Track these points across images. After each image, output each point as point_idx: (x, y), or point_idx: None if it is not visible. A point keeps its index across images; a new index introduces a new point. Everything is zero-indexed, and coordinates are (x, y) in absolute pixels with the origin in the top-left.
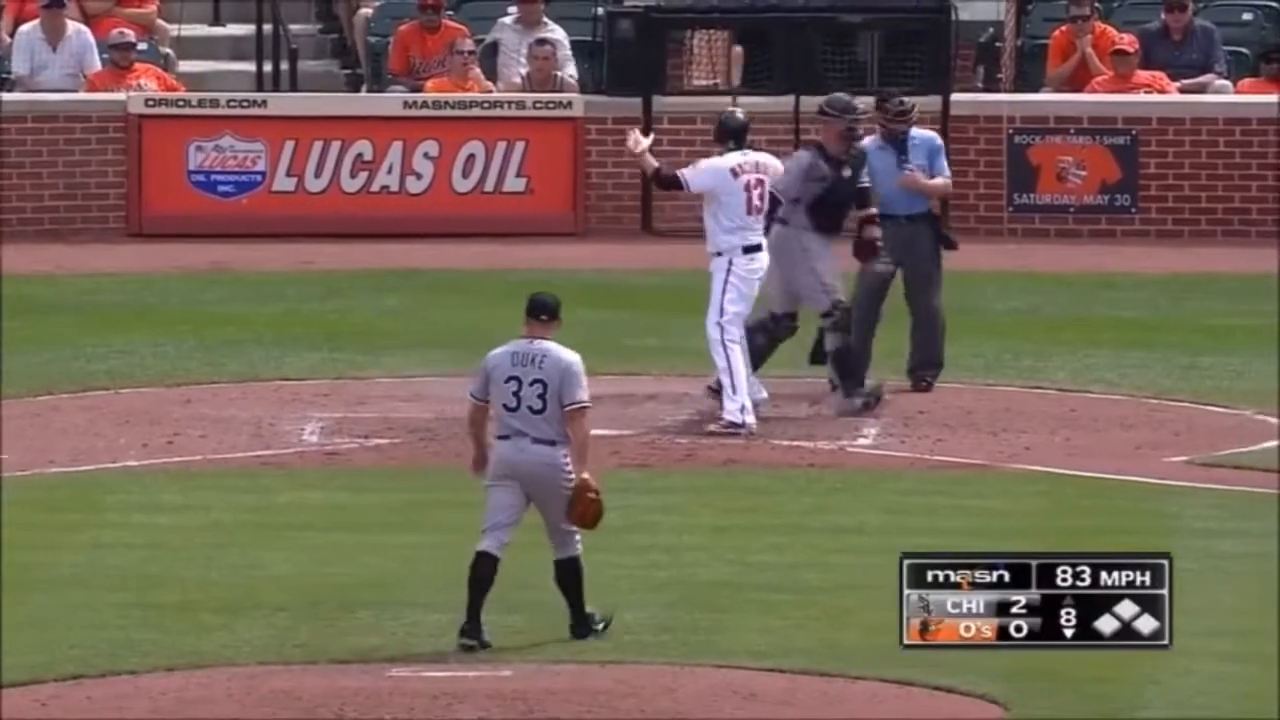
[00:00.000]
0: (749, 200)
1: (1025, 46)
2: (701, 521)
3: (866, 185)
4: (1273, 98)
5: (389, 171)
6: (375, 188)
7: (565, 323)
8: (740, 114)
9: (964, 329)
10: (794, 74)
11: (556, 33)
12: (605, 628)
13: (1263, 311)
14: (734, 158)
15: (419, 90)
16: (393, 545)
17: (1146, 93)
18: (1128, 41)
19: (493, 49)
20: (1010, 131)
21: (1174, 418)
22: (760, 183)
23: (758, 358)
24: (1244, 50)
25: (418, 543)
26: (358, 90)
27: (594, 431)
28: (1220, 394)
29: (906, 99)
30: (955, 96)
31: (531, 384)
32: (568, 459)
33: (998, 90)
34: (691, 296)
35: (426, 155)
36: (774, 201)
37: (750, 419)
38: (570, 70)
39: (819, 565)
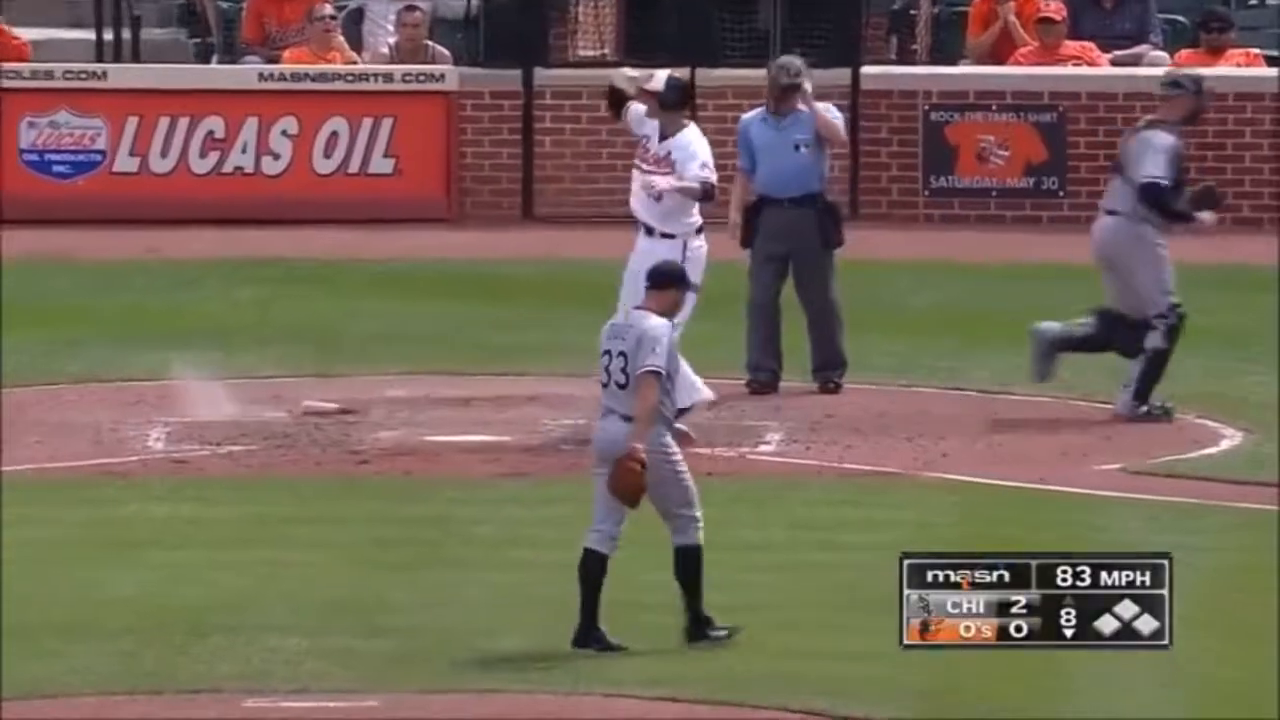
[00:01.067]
0: None
1: (942, 15)
2: None
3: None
4: (1214, 70)
5: (243, 151)
6: (228, 168)
7: (435, 315)
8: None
9: (875, 324)
10: (688, 45)
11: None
12: (729, 635)
13: (1199, 306)
14: (697, 130)
15: (275, 61)
16: (248, 563)
17: (1075, 65)
18: (1054, 9)
19: (357, 15)
20: (926, 108)
21: (1104, 421)
22: None
23: (1087, 346)
24: (1181, 19)
25: (275, 560)
26: (208, 61)
27: (466, 437)
28: (1155, 396)
29: (794, 63)
30: (866, 69)
31: (618, 355)
32: (665, 436)
33: (912, 63)
34: (577, 288)
35: (284, 133)
36: None
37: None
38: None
39: (716, 584)
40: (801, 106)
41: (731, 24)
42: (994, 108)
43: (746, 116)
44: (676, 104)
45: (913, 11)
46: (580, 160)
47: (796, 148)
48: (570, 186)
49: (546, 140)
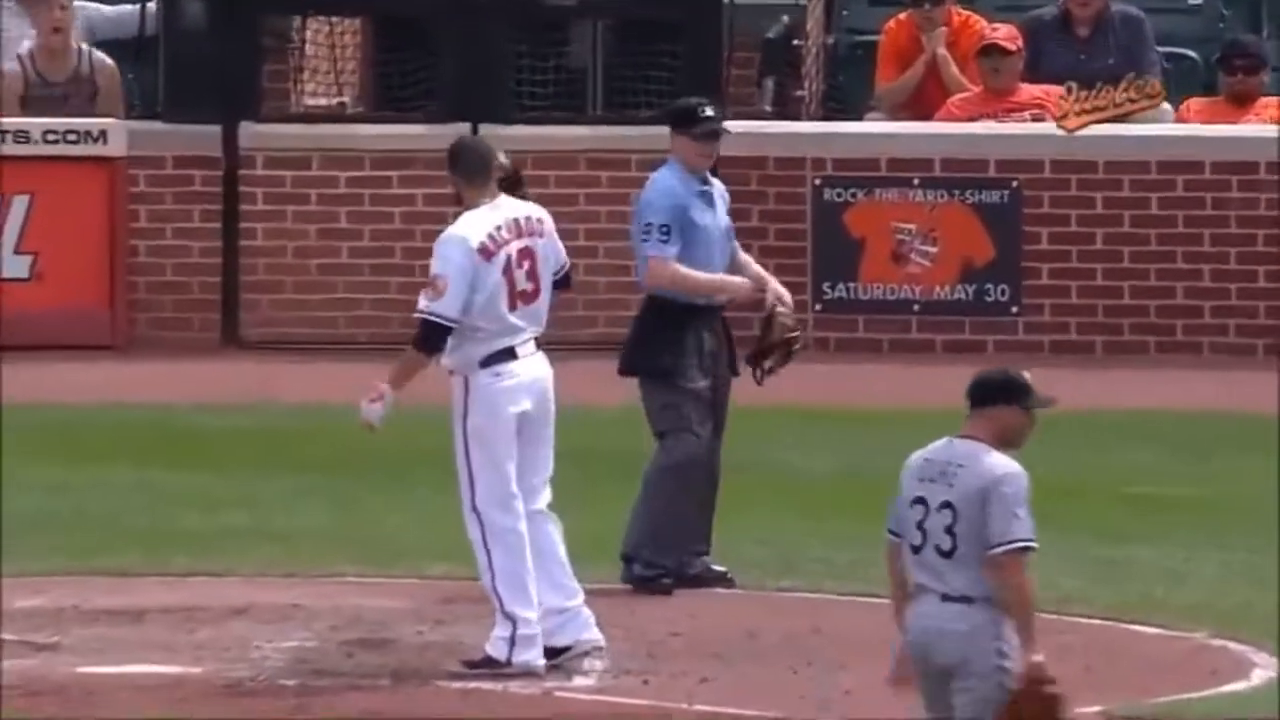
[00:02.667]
0: (511, 287)
1: (841, 47)
2: None
3: None
4: (1241, 129)
5: None
6: None
7: (93, 486)
8: (480, 139)
9: (744, 499)
10: (468, 90)
11: (80, 14)
12: None
13: (1222, 473)
14: (479, 223)
15: None
16: None
17: (1035, 119)
18: (1006, 35)
19: None
20: (817, 182)
21: (1083, 642)
22: (529, 254)
23: None
24: (1190, 54)
25: None
26: None
27: (138, 668)
28: (1155, 606)
29: (711, 106)
30: (728, 126)
31: (940, 509)
32: (1003, 630)
33: (797, 116)
34: (304, 444)
35: None
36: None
37: (530, 656)
38: None
39: None
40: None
41: (531, 62)
42: (916, 182)
43: (671, 185)
44: (467, 172)
45: (797, 42)
46: (308, 259)
47: (729, 236)
48: (292, 297)
49: (258, 229)
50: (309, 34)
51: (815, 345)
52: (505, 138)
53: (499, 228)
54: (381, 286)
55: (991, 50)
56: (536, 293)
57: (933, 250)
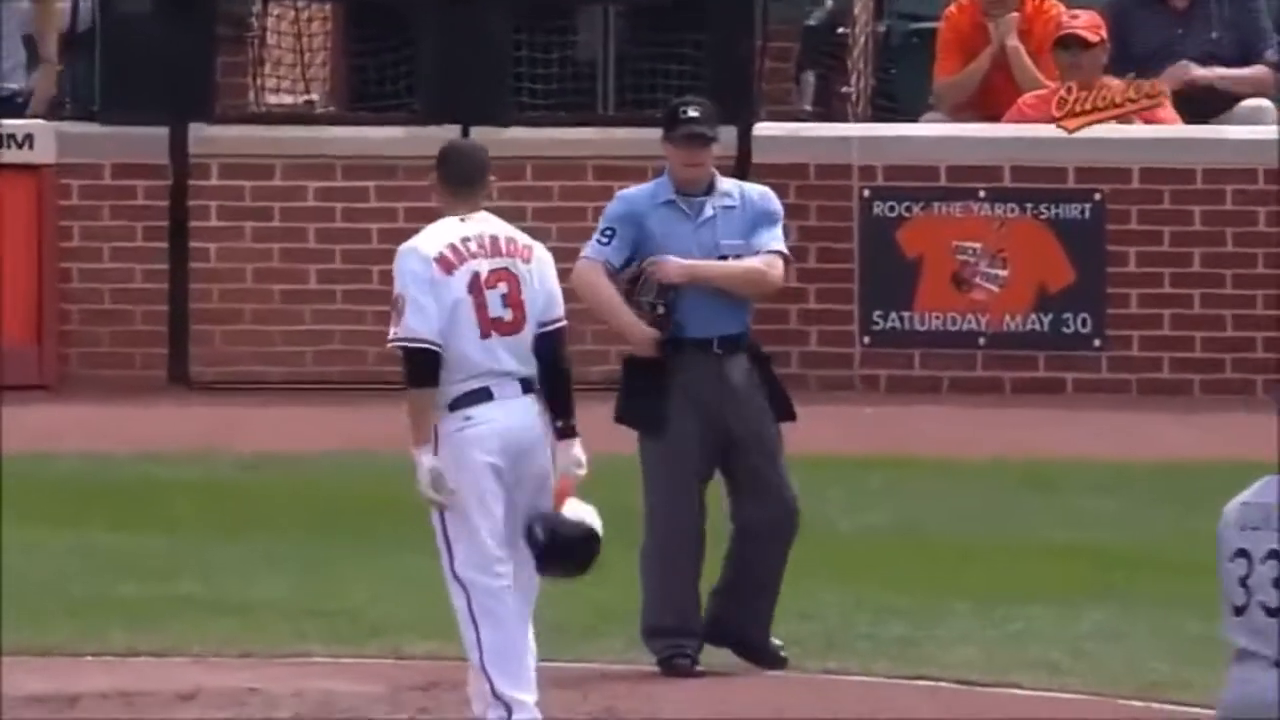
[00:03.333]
0: (481, 311)
1: (895, 34)
2: None
3: None
4: None
5: None
6: None
7: (21, 549)
8: (475, 145)
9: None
10: (457, 86)
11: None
12: None
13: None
14: (441, 233)
15: None
16: None
17: (1121, 121)
18: (1087, 23)
19: None
20: (865, 194)
21: None
22: (507, 277)
23: None
24: None
25: None
26: None
27: None
28: None
29: (696, 108)
30: (761, 128)
31: (1266, 559)
32: None
33: (843, 117)
34: (258, 500)
35: None
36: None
37: None
38: None
39: None
40: (726, 185)
41: (531, 54)
42: (982, 194)
43: (635, 193)
44: (450, 180)
45: (842, 30)
46: (269, 285)
47: (724, 260)
48: (251, 329)
49: (211, 249)
50: (271, 21)
51: (863, 384)
52: (502, 141)
53: (466, 240)
54: (356, 316)
55: (1070, 41)
56: (519, 324)
57: (1001, 274)
